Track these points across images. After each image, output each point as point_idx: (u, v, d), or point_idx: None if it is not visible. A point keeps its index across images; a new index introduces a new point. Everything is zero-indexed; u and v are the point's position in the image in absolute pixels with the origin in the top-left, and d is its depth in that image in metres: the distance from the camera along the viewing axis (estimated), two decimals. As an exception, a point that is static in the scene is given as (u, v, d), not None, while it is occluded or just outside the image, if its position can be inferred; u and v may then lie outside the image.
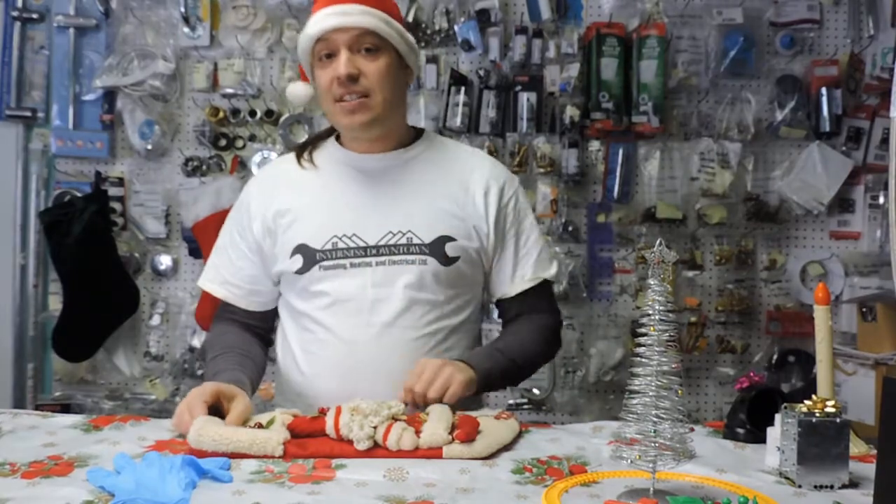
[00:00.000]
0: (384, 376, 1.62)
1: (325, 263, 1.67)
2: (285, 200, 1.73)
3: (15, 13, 3.02)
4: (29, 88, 3.06)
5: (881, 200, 3.03)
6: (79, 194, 2.98)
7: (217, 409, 1.48)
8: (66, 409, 2.97)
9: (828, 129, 2.99)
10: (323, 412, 1.42)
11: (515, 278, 1.78)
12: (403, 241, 1.68)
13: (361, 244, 1.67)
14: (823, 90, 2.98)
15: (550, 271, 1.82)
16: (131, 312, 3.00)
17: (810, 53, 3.04)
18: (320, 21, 1.62)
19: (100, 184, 3.01)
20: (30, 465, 1.28)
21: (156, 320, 3.05)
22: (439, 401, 1.52)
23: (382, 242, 1.67)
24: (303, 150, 1.80)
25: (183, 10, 2.99)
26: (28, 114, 3.02)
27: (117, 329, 2.98)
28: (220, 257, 1.82)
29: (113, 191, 3.02)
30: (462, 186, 1.74)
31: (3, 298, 3.02)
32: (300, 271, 1.69)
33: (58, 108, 3.05)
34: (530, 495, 1.19)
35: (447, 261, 1.69)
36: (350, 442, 1.35)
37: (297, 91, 1.77)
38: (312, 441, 1.36)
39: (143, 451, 1.35)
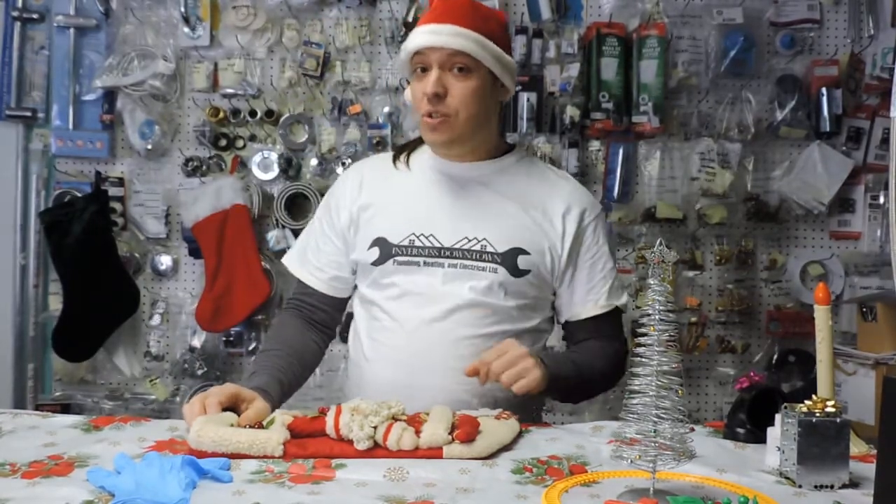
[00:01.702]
0: (440, 369, 1.68)
1: (400, 258, 1.74)
2: (372, 195, 1.82)
3: (15, 13, 3.02)
4: (29, 88, 3.06)
5: (881, 200, 3.03)
6: (79, 194, 2.98)
7: (235, 411, 1.50)
8: (66, 409, 2.97)
9: (828, 129, 2.99)
10: (323, 412, 1.42)
11: (588, 302, 1.81)
12: (478, 247, 1.73)
13: (437, 244, 1.73)
14: (823, 90, 2.97)
15: (622, 300, 1.85)
16: (131, 312, 3.00)
17: (810, 53, 3.04)
18: (417, 37, 1.68)
19: (100, 184, 3.01)
20: (30, 465, 1.28)
21: (156, 320, 3.05)
22: (509, 387, 1.56)
23: (457, 246, 1.73)
24: (401, 152, 1.87)
25: (183, 10, 2.99)
26: (28, 114, 3.02)
27: (117, 329, 2.98)
28: (307, 242, 1.90)
29: (113, 191, 3.02)
30: (543, 205, 1.79)
31: (3, 298, 3.02)
32: (376, 262, 1.75)
33: (58, 108, 3.04)
34: (530, 495, 1.19)
35: (517, 272, 1.73)
36: (350, 442, 1.35)
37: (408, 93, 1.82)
38: (312, 441, 1.36)
39: (143, 452, 1.35)
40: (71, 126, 3.03)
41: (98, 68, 2.99)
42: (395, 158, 1.86)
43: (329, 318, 1.89)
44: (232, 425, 1.42)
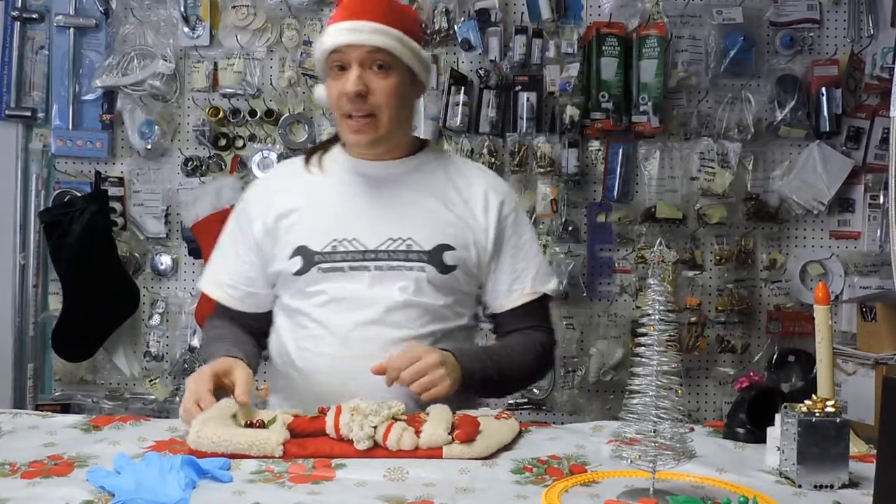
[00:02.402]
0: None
1: (324, 265, 1.69)
2: (288, 202, 1.76)
3: (15, 13, 3.01)
4: (29, 88, 3.06)
5: (881, 200, 3.03)
6: (79, 194, 2.98)
7: (223, 392, 1.49)
8: (66, 409, 2.97)
9: (828, 128, 2.99)
10: (323, 412, 1.42)
11: (513, 292, 1.79)
12: (403, 247, 1.70)
13: (361, 248, 1.69)
14: (823, 90, 2.97)
15: (549, 286, 1.82)
16: (131, 312, 3.00)
17: (810, 53, 3.04)
18: (334, 35, 1.65)
19: (100, 184, 3.01)
20: (30, 465, 1.28)
21: (156, 320, 3.05)
22: (418, 395, 1.54)
23: (382, 248, 1.69)
24: (312, 154, 1.82)
25: (183, 10, 2.99)
26: (28, 114, 3.01)
27: (117, 329, 2.98)
28: (218, 259, 1.85)
29: (113, 191, 3.02)
30: (463, 198, 1.77)
31: (3, 298, 3.02)
32: (299, 272, 1.71)
33: (58, 108, 3.04)
34: (530, 495, 1.19)
35: (445, 269, 1.71)
36: (350, 442, 1.35)
37: (321, 93, 1.79)
38: (312, 441, 1.36)
39: (142, 452, 1.35)
40: (71, 126, 3.02)
41: (98, 68, 2.99)
42: (307, 162, 1.81)
43: (254, 327, 1.82)
44: (234, 416, 1.41)
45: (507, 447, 1.40)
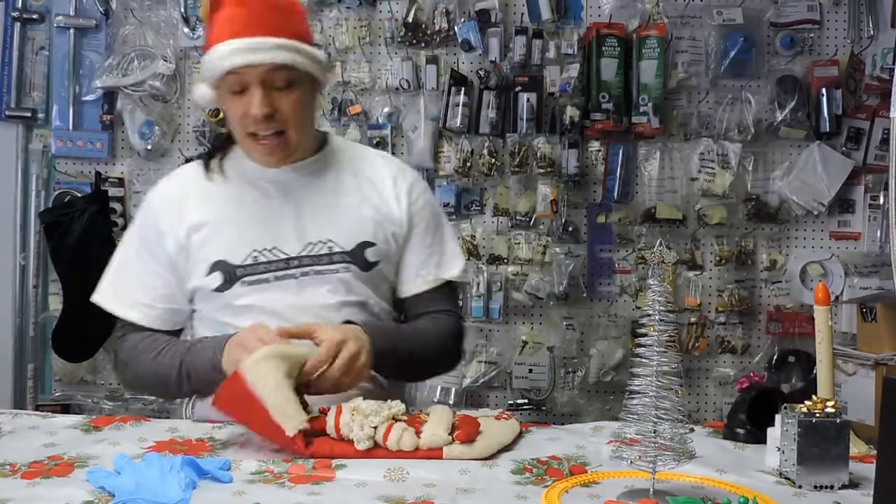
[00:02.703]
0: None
1: (248, 279, 1.64)
2: (197, 215, 1.68)
3: (15, 13, 3.01)
4: (29, 89, 3.06)
5: (881, 200, 3.03)
6: (79, 194, 2.98)
7: None
8: (66, 409, 2.97)
9: (828, 129, 2.99)
10: (323, 412, 1.42)
11: (418, 277, 1.77)
12: (325, 250, 1.67)
13: (283, 256, 1.65)
14: (823, 90, 2.98)
15: (453, 272, 1.80)
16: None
17: (810, 54, 3.04)
18: (230, 56, 1.55)
19: (100, 184, 3.01)
20: (30, 466, 1.28)
21: (156, 320, 3.04)
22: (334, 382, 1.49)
23: (304, 253, 1.66)
24: (211, 160, 1.74)
25: (183, 10, 2.99)
26: (28, 114, 3.01)
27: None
28: (126, 277, 1.73)
29: (113, 191, 3.02)
30: (376, 189, 1.74)
31: (3, 298, 3.02)
32: (220, 288, 1.65)
33: (58, 108, 3.04)
34: (530, 495, 1.19)
35: (368, 266, 1.69)
36: (350, 442, 1.35)
37: (203, 93, 1.68)
38: (314, 439, 1.36)
39: (143, 452, 1.35)
40: (71, 126, 3.02)
41: (98, 69, 2.99)
42: (207, 168, 1.72)
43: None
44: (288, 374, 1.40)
45: (507, 448, 1.40)
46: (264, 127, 1.59)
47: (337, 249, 1.67)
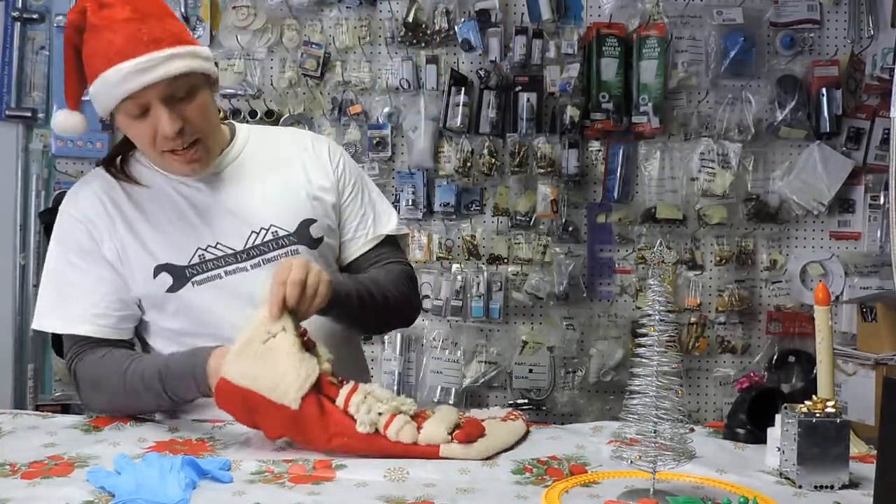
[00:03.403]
0: None
1: (198, 278, 1.60)
2: (128, 220, 1.61)
3: (15, 13, 3.02)
4: (29, 88, 3.06)
5: (881, 201, 3.04)
6: (79, 194, 2.98)
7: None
8: (66, 409, 2.96)
9: (828, 129, 2.99)
10: (342, 382, 1.41)
11: (357, 239, 1.76)
12: (269, 237, 1.64)
13: (230, 251, 1.62)
14: (823, 90, 2.98)
15: (390, 226, 1.79)
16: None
17: (810, 54, 3.04)
18: (123, 82, 1.46)
19: (100, 184, 3.01)
20: (30, 465, 1.28)
21: (156, 320, 3.04)
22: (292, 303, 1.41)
23: (250, 244, 1.63)
24: (110, 166, 1.66)
25: (183, 10, 2.99)
26: (28, 114, 3.02)
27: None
28: (66, 292, 1.61)
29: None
30: (299, 164, 1.72)
31: (3, 298, 3.02)
32: (172, 289, 1.59)
33: (58, 108, 3.04)
34: (530, 495, 1.19)
35: (315, 243, 1.67)
36: (353, 420, 1.35)
37: (69, 123, 1.61)
38: (319, 412, 1.35)
39: (143, 452, 1.35)
40: (71, 126, 3.02)
41: (98, 68, 2.99)
42: (113, 176, 1.64)
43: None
44: (273, 335, 1.38)
45: (507, 449, 1.40)
46: (179, 143, 1.53)
47: (282, 233, 1.65)
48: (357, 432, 1.34)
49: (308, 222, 1.67)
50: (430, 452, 1.34)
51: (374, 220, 1.77)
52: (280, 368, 1.36)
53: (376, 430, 1.35)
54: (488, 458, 1.35)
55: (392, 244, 1.81)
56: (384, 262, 1.77)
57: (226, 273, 1.61)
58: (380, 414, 1.35)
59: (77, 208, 1.64)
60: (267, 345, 1.38)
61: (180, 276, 1.60)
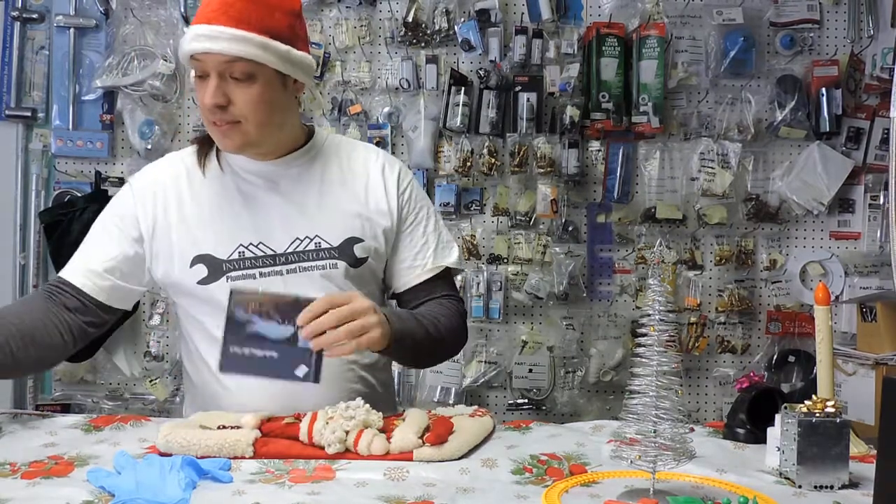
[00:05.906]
0: None
1: (234, 274, 1.62)
2: (181, 205, 1.66)
3: (15, 13, 3.01)
4: (29, 88, 3.06)
5: (881, 200, 3.04)
6: (79, 194, 2.98)
7: None
8: (66, 409, 2.97)
9: (828, 129, 2.99)
10: (298, 418, 1.41)
11: (416, 268, 1.74)
12: (312, 246, 1.65)
13: (270, 252, 1.63)
14: (823, 90, 2.98)
15: (451, 258, 1.78)
16: (131, 313, 3.00)
17: (810, 53, 3.04)
18: (191, 41, 1.54)
19: (100, 184, 3.01)
20: (30, 465, 1.28)
21: (156, 320, 3.04)
22: (346, 340, 1.43)
23: (291, 249, 1.64)
24: (203, 146, 1.71)
25: (183, 10, 2.99)
26: (28, 114, 3.01)
27: (117, 329, 2.98)
28: (85, 248, 1.68)
29: (113, 191, 3.00)
30: (362, 183, 1.72)
31: (3, 298, 3.01)
32: (204, 281, 1.62)
33: (58, 108, 3.04)
34: (530, 495, 1.19)
35: (357, 262, 1.67)
36: (321, 448, 1.35)
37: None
38: (283, 442, 1.36)
39: (143, 452, 1.35)
40: (71, 126, 3.02)
41: (98, 68, 2.99)
42: (199, 156, 1.70)
43: (89, 320, 1.63)
44: (202, 426, 1.41)
45: (478, 447, 1.40)
46: (218, 117, 1.56)
47: (325, 245, 1.65)
48: (328, 455, 1.34)
49: (354, 241, 1.67)
50: (403, 460, 1.33)
51: (434, 251, 1.76)
52: (220, 433, 1.36)
53: (346, 449, 1.35)
54: (461, 458, 1.34)
55: (448, 278, 1.80)
56: (439, 296, 1.76)
57: (261, 274, 1.62)
58: (346, 431, 1.35)
59: (137, 180, 1.72)
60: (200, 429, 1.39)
61: (217, 269, 1.62)
